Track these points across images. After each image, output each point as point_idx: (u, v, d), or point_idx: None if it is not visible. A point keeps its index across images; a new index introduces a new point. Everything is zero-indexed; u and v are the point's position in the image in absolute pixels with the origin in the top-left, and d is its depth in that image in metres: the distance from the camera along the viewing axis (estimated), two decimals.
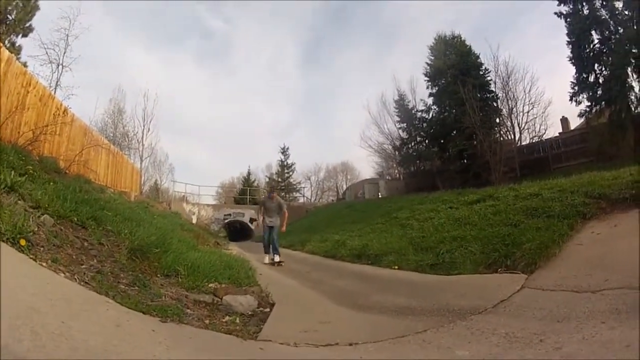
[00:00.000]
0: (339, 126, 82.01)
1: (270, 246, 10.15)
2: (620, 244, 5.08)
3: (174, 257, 5.27)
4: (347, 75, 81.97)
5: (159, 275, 4.75)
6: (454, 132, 26.32)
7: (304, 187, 49.41)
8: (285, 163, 49.60)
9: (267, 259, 10.14)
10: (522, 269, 5.28)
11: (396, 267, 7.06)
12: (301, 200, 43.86)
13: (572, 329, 3.26)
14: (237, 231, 28.76)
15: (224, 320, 3.88)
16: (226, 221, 28.59)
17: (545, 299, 4.15)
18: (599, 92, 21.59)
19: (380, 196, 29.80)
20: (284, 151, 49.68)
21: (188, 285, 4.69)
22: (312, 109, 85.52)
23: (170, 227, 10.58)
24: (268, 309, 4.58)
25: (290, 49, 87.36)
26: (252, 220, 26.84)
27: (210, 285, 4.96)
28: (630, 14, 20.99)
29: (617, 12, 21.56)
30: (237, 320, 3.91)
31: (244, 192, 42.39)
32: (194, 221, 24.10)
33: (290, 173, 49.80)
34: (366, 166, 71.29)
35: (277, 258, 10.02)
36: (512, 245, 5.91)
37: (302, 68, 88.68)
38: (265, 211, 10.36)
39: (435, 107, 29.11)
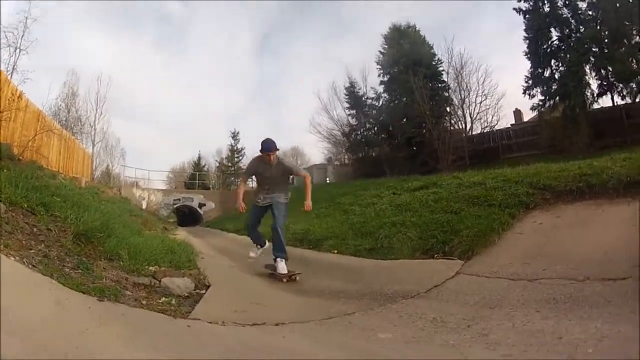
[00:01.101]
0: (291, 112, 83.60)
1: (261, 243, 6.86)
2: (561, 235, 5.48)
3: (116, 242, 5.59)
4: (301, 63, 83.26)
5: (102, 259, 5.02)
6: (404, 119, 27.69)
7: None
8: (235, 148, 50.47)
9: (253, 253, 6.84)
10: (458, 255, 5.58)
11: (335, 252, 7.39)
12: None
13: (503, 316, 3.44)
14: (186, 216, 29.66)
15: (160, 301, 4.13)
16: (175, 206, 29.38)
17: (479, 286, 4.41)
18: (554, 87, 23.54)
19: (328, 181, 30.96)
20: (235, 136, 50.59)
21: (129, 269, 4.97)
22: (265, 95, 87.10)
23: (117, 212, 11.15)
24: (204, 291, 4.80)
25: (246, 35, 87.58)
26: (200, 205, 29.03)
27: (151, 268, 5.27)
28: (594, 14, 23.11)
29: (579, 12, 23.52)
30: (173, 301, 4.16)
31: (194, 177, 43.36)
32: (144, 206, 25.04)
33: (240, 158, 50.37)
34: (316, 152, 72.96)
35: (283, 265, 6.11)
36: (451, 232, 6.23)
37: (257, 54, 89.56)
38: (258, 183, 6.96)
39: (385, 95, 30.64)
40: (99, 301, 3.55)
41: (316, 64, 79.83)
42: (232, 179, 45.50)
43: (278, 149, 6.45)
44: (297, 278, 5.90)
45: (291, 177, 7.79)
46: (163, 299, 4.21)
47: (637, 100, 22.56)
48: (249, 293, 5.20)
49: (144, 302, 3.96)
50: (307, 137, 79.09)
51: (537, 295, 3.82)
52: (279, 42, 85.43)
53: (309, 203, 6.53)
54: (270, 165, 6.44)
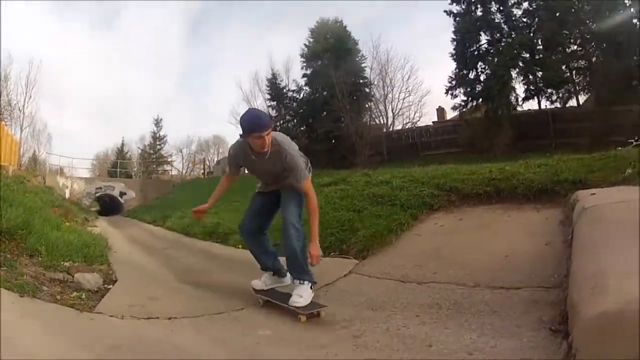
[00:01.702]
0: (217, 101, 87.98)
1: (271, 265, 4.67)
2: (460, 238, 5.54)
3: (36, 238, 5.78)
4: (230, 53, 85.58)
5: (24, 255, 5.31)
6: (324, 113, 28.69)
7: (173, 161, 51.66)
8: (157, 135, 51.36)
9: (259, 282, 4.61)
10: (354, 254, 5.67)
11: (240, 247, 7.41)
12: (173, 173, 46.61)
13: (382, 318, 3.53)
14: (107, 205, 30.20)
15: (72, 295, 4.38)
16: (97, 195, 29.74)
17: (368, 286, 4.55)
18: (478, 88, 24.95)
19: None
20: (157, 122, 51.39)
21: (46, 265, 5.17)
22: (192, 83, 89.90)
23: (40, 204, 10.95)
24: (111, 286, 5.05)
25: (177, 22, 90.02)
26: (121, 194, 29.21)
27: (66, 264, 5.48)
28: (528, 21, 24.93)
29: (513, 18, 25.17)
30: (83, 296, 4.40)
31: (116, 164, 43.13)
32: (67, 195, 25.30)
33: (162, 145, 51.65)
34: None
35: (307, 293, 4.04)
36: (350, 230, 6.31)
37: (187, 42, 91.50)
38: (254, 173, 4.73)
39: (307, 88, 31.73)
40: (20, 297, 3.87)
41: (245, 55, 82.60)
42: (154, 167, 46.96)
43: (268, 133, 3.99)
44: (323, 313, 3.81)
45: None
46: (75, 293, 4.47)
47: (567, 105, 24.34)
48: (151, 288, 5.26)
49: (58, 297, 4.23)
50: (230, 127, 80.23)
51: (422, 299, 3.86)
52: (209, 31, 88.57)
53: (315, 247, 4.11)
54: (264, 156, 4.13)
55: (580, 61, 24.49)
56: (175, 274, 6.19)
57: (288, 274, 4.50)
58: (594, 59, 23.67)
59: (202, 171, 50.13)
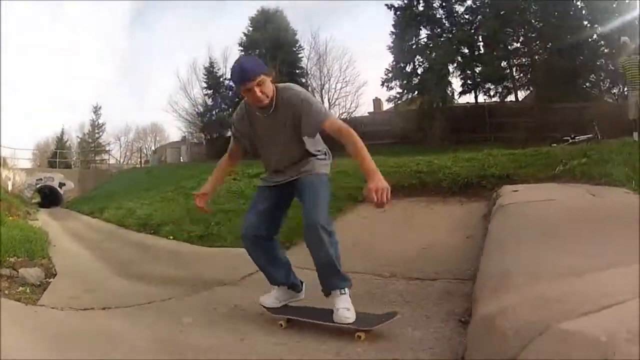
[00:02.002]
0: (157, 88, 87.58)
1: (283, 278, 3.66)
2: (381, 230, 5.82)
3: None
4: (171, 40, 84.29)
5: None
6: None
7: (111, 150, 50.30)
8: (96, 123, 50.58)
9: (269, 300, 3.59)
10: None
11: (171, 238, 7.77)
12: (111, 162, 45.23)
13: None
14: (47, 197, 29.46)
15: (18, 290, 4.62)
16: (38, 186, 29.13)
17: None
18: (415, 81, 25.80)
19: (182, 161, 32.24)
20: (96, 110, 50.47)
21: None
22: (133, 69, 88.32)
23: None
24: (52, 279, 5.25)
25: (121, 6, 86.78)
26: (61, 185, 28.75)
27: (11, 259, 5.67)
28: (471, 18, 25.97)
29: (455, 15, 26.15)
30: (28, 290, 4.63)
31: (56, 154, 42.24)
32: (10, 188, 24.78)
33: (101, 133, 50.88)
34: (175, 129, 73.83)
35: (347, 304, 3.15)
36: None
37: (131, 27, 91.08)
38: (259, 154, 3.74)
39: None
40: None
41: (187, 41, 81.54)
42: (93, 156, 46.21)
43: (269, 73, 3.17)
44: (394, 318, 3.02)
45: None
46: (20, 288, 4.72)
47: (506, 100, 25.54)
48: (88, 280, 5.40)
49: (6, 292, 4.47)
50: (167, 115, 79.76)
51: None
52: (153, 17, 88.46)
53: (377, 181, 3.15)
54: (268, 111, 3.28)
55: (522, 58, 25.60)
56: (110, 266, 6.29)
57: (301, 284, 3.76)
58: (537, 57, 24.84)
59: (139, 160, 49.18)
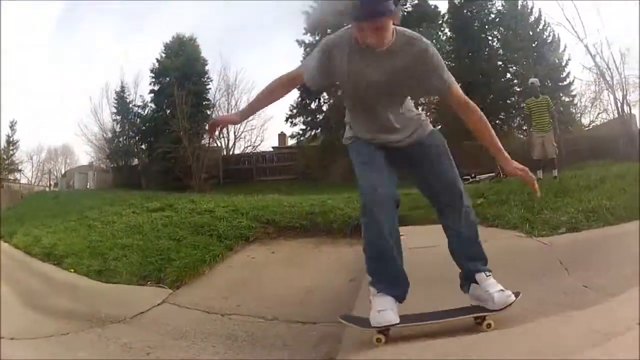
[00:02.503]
0: (72, 108, 78.38)
1: (396, 278, 2.97)
2: (269, 271, 6.06)
3: None
4: (92, 56, 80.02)
5: None
6: (165, 132, 28.57)
7: (22, 170, 46.95)
8: (11, 139, 46.06)
9: (393, 315, 2.75)
10: (169, 284, 5.92)
11: (72, 270, 7.49)
12: (24, 181, 43.22)
13: (181, 348, 3.88)
14: None
15: None
16: None
17: (177, 316, 4.86)
18: (319, 118, 26.78)
19: (88, 187, 31.63)
20: (12, 125, 45.54)
21: None
22: (50, 85, 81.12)
23: None
24: None
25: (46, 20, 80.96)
26: None
27: None
28: None
29: None
30: None
31: None
32: None
33: (15, 150, 46.55)
34: (84, 153, 70.17)
35: (495, 285, 2.91)
36: (167, 259, 6.58)
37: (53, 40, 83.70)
38: (352, 106, 3.32)
39: (152, 105, 31.50)
40: None
41: (106, 61, 77.97)
42: (6, 174, 42.62)
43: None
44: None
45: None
46: None
47: None
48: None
49: None
50: (77, 139, 75.96)
51: (222, 331, 4.21)
52: (79, 30, 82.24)
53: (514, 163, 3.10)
54: (380, 52, 2.79)
55: (432, 97, 27.02)
56: (19, 296, 6.32)
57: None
58: None
59: (50, 182, 46.95)
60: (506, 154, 3.04)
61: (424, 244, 5.44)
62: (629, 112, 21.53)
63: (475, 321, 2.87)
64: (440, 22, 28.18)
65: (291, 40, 33.27)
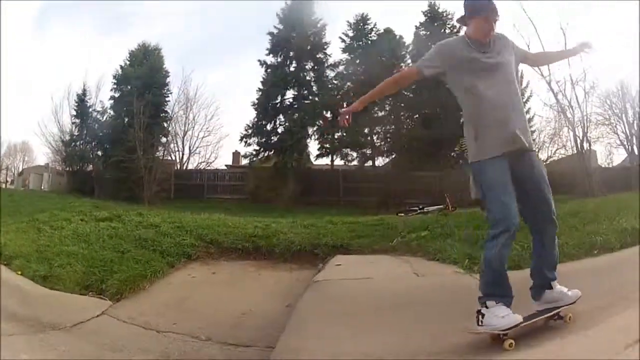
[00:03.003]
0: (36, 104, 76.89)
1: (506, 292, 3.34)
2: (207, 292, 6.18)
3: None
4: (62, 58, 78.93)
5: None
6: (121, 141, 28.12)
7: None
8: None
9: (505, 316, 3.15)
10: (110, 296, 5.97)
11: (20, 273, 7.35)
12: None
13: None
14: None
15: None
16: None
17: (115, 329, 4.92)
18: (273, 140, 26.87)
19: (43, 188, 31.14)
20: None
21: None
22: (19, 79, 79.13)
23: None
24: None
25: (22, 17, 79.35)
26: None
27: None
28: (339, 84, 28.03)
29: (324, 78, 27.91)
30: None
31: None
32: None
33: None
34: (42, 153, 67.92)
35: (574, 291, 3.48)
36: (110, 271, 6.60)
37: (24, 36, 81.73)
38: (473, 104, 3.61)
39: (111, 111, 30.91)
40: None
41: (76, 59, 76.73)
42: None
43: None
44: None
45: None
46: None
47: (366, 165, 27.10)
48: None
49: None
50: (36, 138, 73.64)
51: (156, 348, 4.33)
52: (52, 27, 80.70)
53: None
54: (488, 47, 3.52)
55: (386, 127, 27.54)
56: None
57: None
58: (402, 126, 27.17)
59: (5, 179, 45.91)
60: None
61: (359, 274, 5.65)
62: (588, 148, 22.11)
63: (553, 319, 3.39)
64: (403, 52, 28.65)
65: (254, 60, 33.46)
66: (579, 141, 21.48)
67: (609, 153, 27.33)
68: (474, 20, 3.48)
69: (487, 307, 3.20)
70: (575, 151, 22.20)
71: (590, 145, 22.59)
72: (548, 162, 27.40)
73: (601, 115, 24.15)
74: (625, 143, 24.66)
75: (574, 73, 20.89)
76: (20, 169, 46.74)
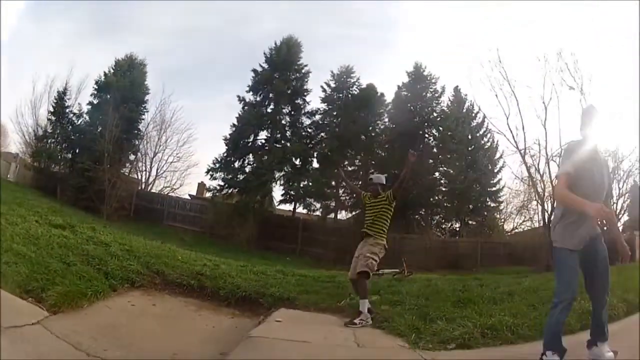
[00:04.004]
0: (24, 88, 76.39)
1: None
2: (143, 323, 6.14)
3: None
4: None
5: None
6: (90, 149, 28.32)
7: None
8: None
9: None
10: (48, 306, 5.85)
11: None
12: None
13: None
14: None
15: None
16: None
17: (46, 341, 4.87)
18: (239, 178, 27.33)
19: (8, 178, 29.96)
20: None
21: None
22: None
23: None
24: None
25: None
26: None
27: None
28: (312, 132, 29.03)
29: (298, 124, 28.94)
30: None
31: None
32: None
33: None
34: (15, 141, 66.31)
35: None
36: (52, 282, 6.46)
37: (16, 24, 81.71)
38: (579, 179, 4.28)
39: (87, 117, 31.18)
40: None
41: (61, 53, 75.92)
42: None
43: None
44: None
45: None
46: None
47: (329, 217, 27.86)
48: None
49: None
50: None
51: None
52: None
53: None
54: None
55: (354, 182, 27.77)
56: None
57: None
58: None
59: None
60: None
61: (298, 336, 5.56)
62: None
63: None
64: (381, 110, 29.40)
65: (234, 93, 33.92)
66: (546, 215, 21.74)
67: None
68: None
69: (546, 355, 4.20)
70: (542, 225, 22.48)
71: None
72: (512, 232, 27.99)
73: None
74: None
75: (551, 147, 21.27)
76: None
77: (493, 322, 5.83)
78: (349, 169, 28.58)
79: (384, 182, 7.57)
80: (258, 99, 28.98)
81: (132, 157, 30.31)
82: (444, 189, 29.17)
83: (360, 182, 27.49)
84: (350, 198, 28.52)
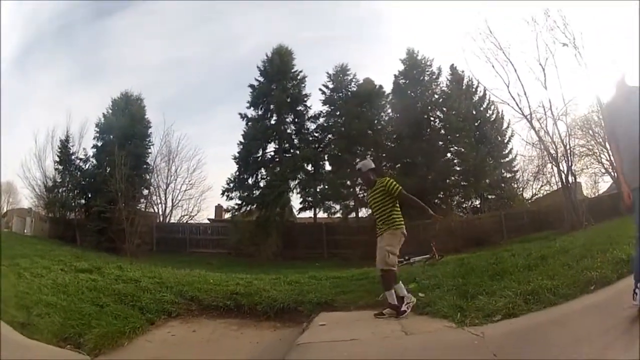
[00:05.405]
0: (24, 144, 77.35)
1: None
2: (186, 351, 6.10)
3: None
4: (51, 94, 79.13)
5: None
6: (103, 191, 27.95)
7: None
8: None
9: None
10: (88, 351, 5.83)
11: None
12: None
13: None
14: None
15: None
16: None
17: None
18: (255, 194, 27.05)
19: (25, 232, 30.05)
20: None
21: None
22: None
23: None
24: None
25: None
26: None
27: None
28: (319, 136, 28.62)
29: (304, 131, 28.56)
30: None
31: None
32: None
33: None
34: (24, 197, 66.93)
35: None
36: (88, 325, 6.42)
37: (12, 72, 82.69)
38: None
39: (94, 160, 30.95)
40: None
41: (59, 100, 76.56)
42: None
43: None
44: None
45: None
46: None
47: (349, 217, 27.25)
48: None
49: None
50: (18, 180, 72.18)
51: None
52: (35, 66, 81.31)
53: None
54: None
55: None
56: None
57: None
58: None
59: None
60: None
61: (346, 335, 5.43)
62: (573, 181, 22.02)
63: None
64: (383, 102, 29.02)
65: (235, 113, 33.57)
66: (563, 175, 21.40)
67: (594, 183, 27.75)
68: None
69: (638, 288, 4.31)
70: (561, 186, 22.10)
71: (575, 178, 22.55)
72: (533, 199, 27.61)
73: (584, 146, 24.06)
74: (610, 170, 24.19)
75: (556, 108, 20.99)
76: (5, 210, 46.49)
77: (533, 287, 5.86)
78: None
79: (373, 166, 7.47)
80: (260, 112, 28.81)
81: (145, 191, 30.19)
82: (458, 169, 28.71)
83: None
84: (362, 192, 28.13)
